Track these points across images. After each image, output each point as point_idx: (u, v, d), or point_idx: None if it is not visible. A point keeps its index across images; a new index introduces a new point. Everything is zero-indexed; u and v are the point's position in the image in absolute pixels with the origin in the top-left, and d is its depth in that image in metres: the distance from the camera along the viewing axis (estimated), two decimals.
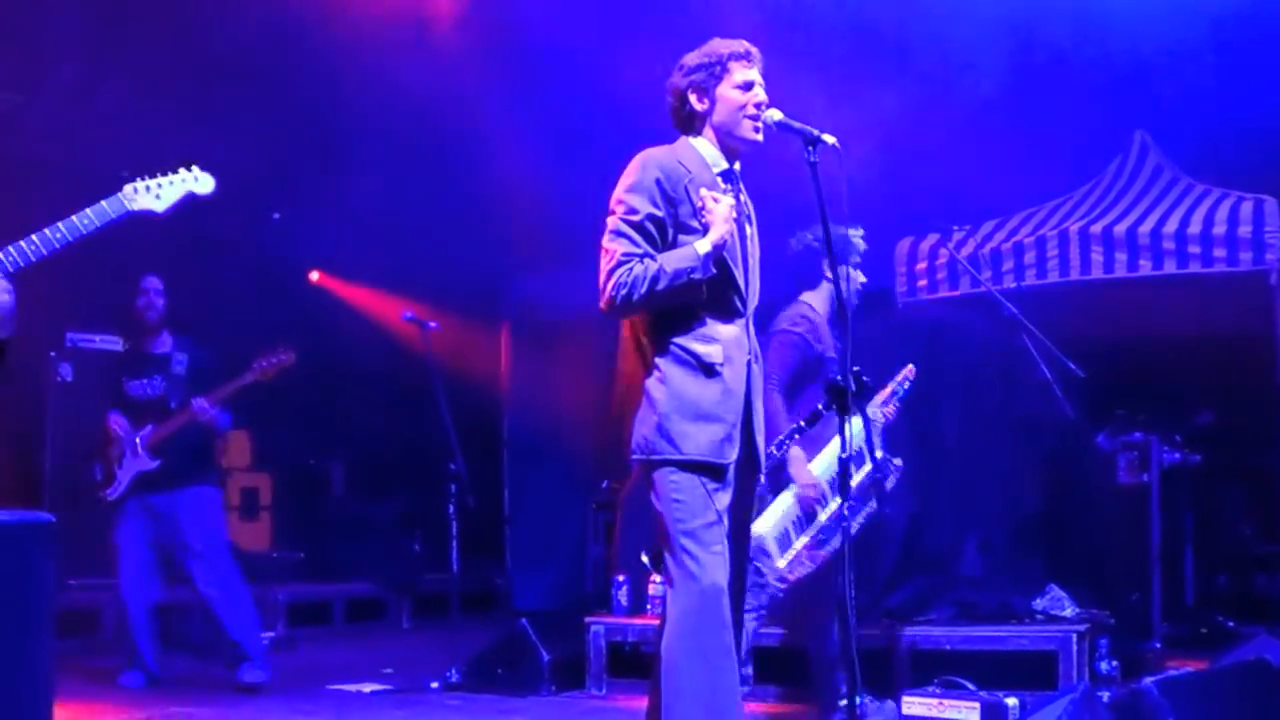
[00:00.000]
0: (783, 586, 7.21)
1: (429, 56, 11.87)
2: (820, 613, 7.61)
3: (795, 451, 7.31)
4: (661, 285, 5.22)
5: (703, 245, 5.29)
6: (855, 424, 7.39)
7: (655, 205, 5.31)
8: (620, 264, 5.25)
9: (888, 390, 7.71)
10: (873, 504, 7.49)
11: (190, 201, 6.13)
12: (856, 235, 7.53)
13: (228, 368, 9.47)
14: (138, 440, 9.35)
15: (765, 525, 7.17)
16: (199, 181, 6.14)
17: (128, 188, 5.97)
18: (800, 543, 7.26)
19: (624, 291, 5.22)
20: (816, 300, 7.68)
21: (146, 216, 6.05)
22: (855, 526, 7.28)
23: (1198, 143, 10.94)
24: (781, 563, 7.17)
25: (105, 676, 9.50)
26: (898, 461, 7.69)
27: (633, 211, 5.31)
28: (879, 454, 7.52)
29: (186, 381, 9.46)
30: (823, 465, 7.39)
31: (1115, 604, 9.34)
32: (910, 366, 7.79)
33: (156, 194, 6.00)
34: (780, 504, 7.31)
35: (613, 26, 11.02)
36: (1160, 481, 10.41)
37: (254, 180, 10.17)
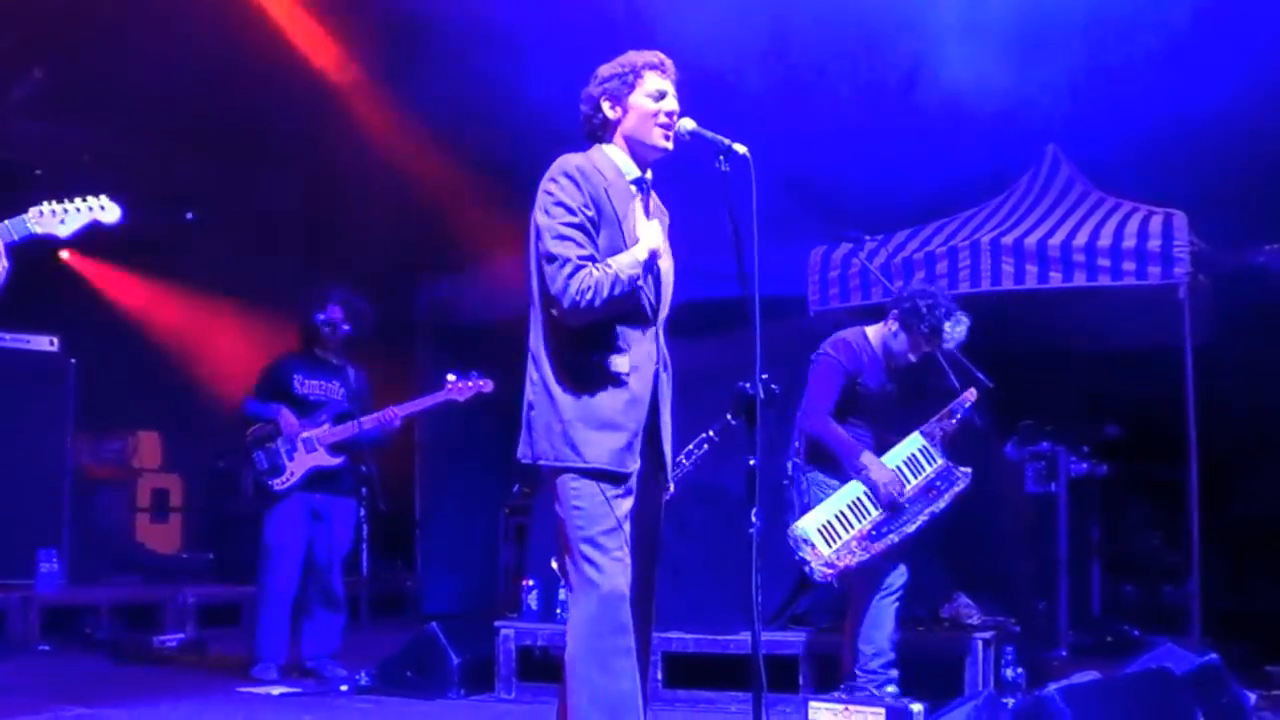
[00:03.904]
0: (830, 573, 7.33)
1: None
2: (861, 606, 7.71)
3: (868, 457, 7.58)
4: (617, 290, 5.27)
5: (640, 251, 5.36)
6: (913, 438, 7.79)
7: (586, 205, 5.35)
8: (578, 269, 5.27)
9: (946, 410, 7.93)
10: (938, 504, 7.69)
11: (94, 228, 6.15)
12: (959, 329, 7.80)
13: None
14: (314, 436, 9.55)
15: (806, 519, 7.41)
16: (105, 210, 6.16)
17: (33, 210, 5.99)
18: (849, 534, 7.42)
19: (587, 297, 5.24)
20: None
21: (48, 240, 6.06)
22: (917, 524, 7.60)
23: (1109, 157, 11.04)
24: (827, 551, 7.30)
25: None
26: (966, 469, 7.85)
27: (570, 213, 5.33)
28: (939, 462, 7.82)
29: (360, 393, 9.79)
30: (893, 461, 7.70)
31: (1022, 612, 9.43)
32: (972, 391, 7.99)
33: (61, 219, 6.03)
34: (828, 501, 7.51)
35: (522, 32, 11.07)
36: (1068, 491, 10.54)
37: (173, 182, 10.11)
